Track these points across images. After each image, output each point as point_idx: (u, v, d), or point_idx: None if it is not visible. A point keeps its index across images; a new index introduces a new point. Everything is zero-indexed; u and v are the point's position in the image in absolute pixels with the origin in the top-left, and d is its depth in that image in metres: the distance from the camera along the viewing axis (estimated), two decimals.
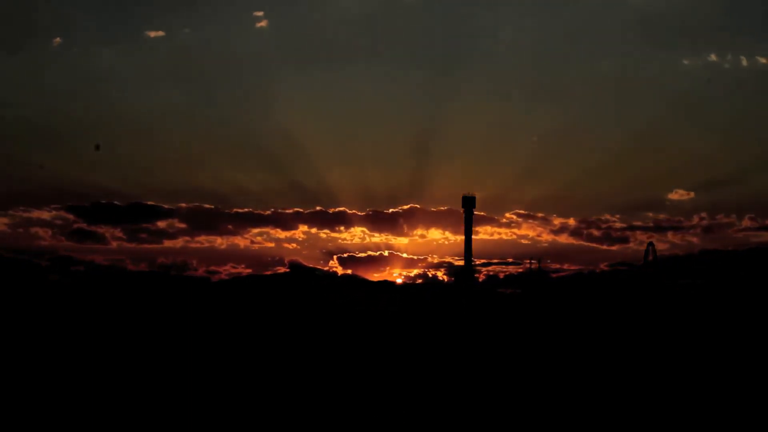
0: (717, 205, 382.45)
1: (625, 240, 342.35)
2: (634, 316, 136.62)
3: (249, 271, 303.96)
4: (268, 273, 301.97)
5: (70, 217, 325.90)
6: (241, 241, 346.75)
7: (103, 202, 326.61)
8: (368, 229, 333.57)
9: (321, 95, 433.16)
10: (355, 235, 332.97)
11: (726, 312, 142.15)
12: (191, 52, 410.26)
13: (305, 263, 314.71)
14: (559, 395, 51.27)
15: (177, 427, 42.23)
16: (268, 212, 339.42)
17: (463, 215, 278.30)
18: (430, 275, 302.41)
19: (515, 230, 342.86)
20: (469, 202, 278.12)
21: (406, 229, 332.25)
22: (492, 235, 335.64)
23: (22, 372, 60.20)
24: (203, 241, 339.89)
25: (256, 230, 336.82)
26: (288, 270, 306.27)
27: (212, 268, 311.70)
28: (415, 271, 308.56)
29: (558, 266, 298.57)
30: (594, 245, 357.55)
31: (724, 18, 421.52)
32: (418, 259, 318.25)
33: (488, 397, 50.39)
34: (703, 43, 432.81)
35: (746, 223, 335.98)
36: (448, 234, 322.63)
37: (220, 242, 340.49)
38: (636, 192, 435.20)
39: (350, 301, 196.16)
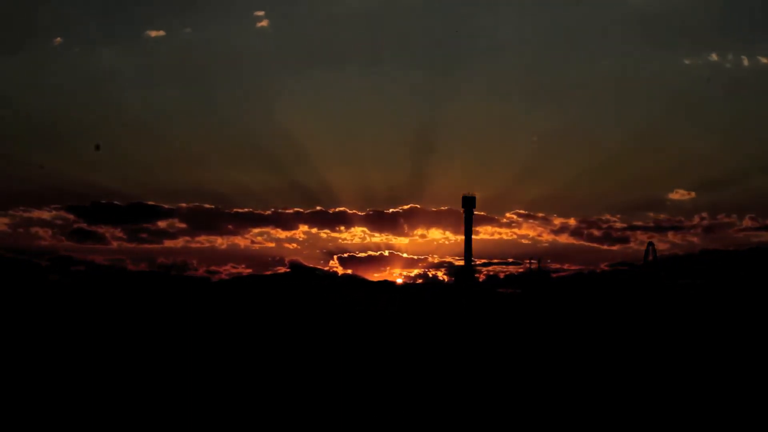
0: (718, 205, 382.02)
1: (625, 240, 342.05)
2: (635, 316, 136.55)
3: (249, 271, 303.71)
4: (269, 273, 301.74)
5: (71, 217, 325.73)
6: (241, 241, 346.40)
7: (104, 202, 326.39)
8: (368, 229, 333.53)
9: (321, 95, 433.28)
10: (356, 235, 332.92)
11: (726, 312, 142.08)
12: (192, 52, 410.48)
13: (305, 263, 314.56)
14: (559, 395, 51.23)
15: (177, 427, 42.20)
16: (269, 212, 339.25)
17: (463, 215, 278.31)
18: (431, 275, 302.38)
19: (515, 230, 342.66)
20: (469, 202, 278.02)
21: (406, 229, 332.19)
22: (492, 235, 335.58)
23: (23, 372, 60.17)
24: (203, 241, 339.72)
25: (256, 230, 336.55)
26: (288, 270, 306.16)
27: (212, 268, 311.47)
28: (415, 271, 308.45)
29: (558, 266, 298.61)
30: (594, 245, 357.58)
31: (725, 18, 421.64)
32: (419, 259, 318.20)
33: (488, 398, 50.34)
34: (704, 42, 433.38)
35: (747, 222, 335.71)
36: (448, 234, 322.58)
37: (220, 242, 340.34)
38: (636, 192, 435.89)
39: (350, 301, 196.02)
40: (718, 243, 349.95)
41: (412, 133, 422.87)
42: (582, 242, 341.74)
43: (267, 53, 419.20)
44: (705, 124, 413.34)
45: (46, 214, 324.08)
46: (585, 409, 46.93)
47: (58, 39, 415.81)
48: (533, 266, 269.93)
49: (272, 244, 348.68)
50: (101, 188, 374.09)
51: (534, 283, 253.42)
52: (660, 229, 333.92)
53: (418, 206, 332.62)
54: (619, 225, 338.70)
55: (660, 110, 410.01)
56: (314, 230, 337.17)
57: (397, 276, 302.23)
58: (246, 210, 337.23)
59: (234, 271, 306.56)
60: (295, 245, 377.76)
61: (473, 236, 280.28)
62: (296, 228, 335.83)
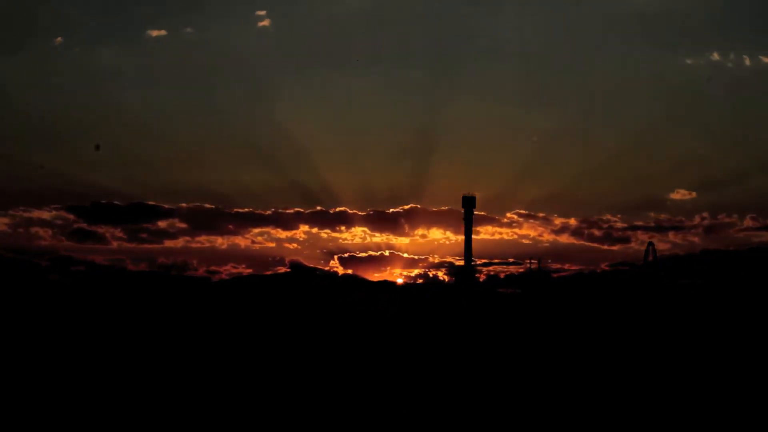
0: (718, 205, 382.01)
1: (626, 240, 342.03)
2: (635, 317, 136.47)
3: (250, 271, 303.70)
4: (269, 273, 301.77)
5: (71, 217, 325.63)
6: (241, 241, 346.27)
7: (104, 202, 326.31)
8: (369, 229, 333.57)
9: (322, 95, 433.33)
10: (356, 235, 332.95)
11: (727, 312, 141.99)
12: (193, 52, 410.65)
13: (306, 263, 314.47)
14: (559, 395, 51.15)
15: (177, 427, 42.12)
16: (269, 212, 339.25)
17: (464, 215, 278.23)
18: (431, 275, 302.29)
19: (516, 230, 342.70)
20: (469, 202, 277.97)
21: (406, 229, 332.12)
22: (493, 235, 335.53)
23: (23, 372, 60.09)
24: (204, 241, 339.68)
25: (256, 230, 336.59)
26: (289, 270, 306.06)
27: (213, 268, 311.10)
28: (415, 271, 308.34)
29: (559, 266, 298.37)
30: (595, 245, 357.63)
31: (726, 17, 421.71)
32: (419, 259, 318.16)
33: (488, 398, 50.26)
34: (705, 42, 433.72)
35: (748, 222, 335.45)
36: (449, 234, 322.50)
37: (220, 242, 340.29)
38: (637, 192, 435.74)
39: (350, 301, 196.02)
40: (718, 243, 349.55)
41: (413, 133, 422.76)
42: (583, 242, 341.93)
43: (268, 53, 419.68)
44: (706, 123, 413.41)
45: (46, 214, 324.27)
46: (585, 409, 46.85)
47: (59, 39, 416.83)
48: (533, 266, 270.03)
49: (273, 244, 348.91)
50: (101, 188, 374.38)
51: (534, 283, 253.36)
52: (661, 229, 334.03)
53: (419, 206, 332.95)
54: (619, 225, 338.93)
55: (661, 110, 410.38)
56: (315, 230, 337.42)
57: (398, 276, 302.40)
58: (246, 210, 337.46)
59: (234, 271, 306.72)
60: (295, 245, 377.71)
61: (474, 236, 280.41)
62: (297, 228, 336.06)
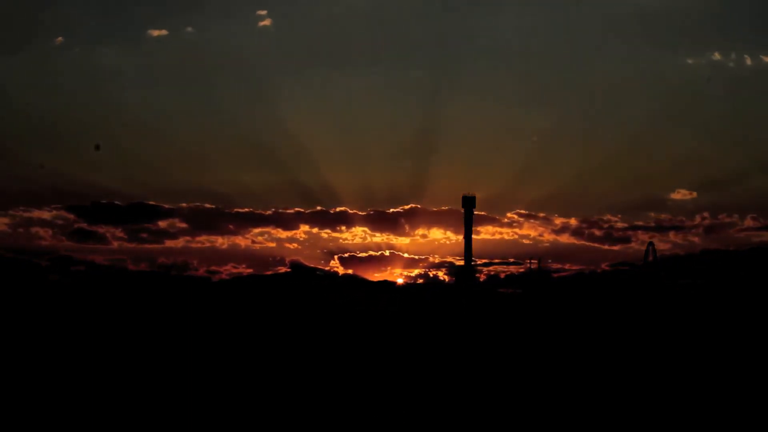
0: (719, 205, 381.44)
1: (626, 240, 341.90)
2: (635, 316, 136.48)
3: (250, 271, 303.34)
4: (269, 273, 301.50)
5: (71, 216, 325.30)
6: (242, 241, 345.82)
7: (104, 201, 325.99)
8: (369, 229, 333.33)
9: (323, 95, 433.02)
10: (357, 235, 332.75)
11: (727, 312, 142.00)
12: (194, 52, 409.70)
13: (306, 263, 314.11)
14: (559, 395, 51.14)
15: (177, 427, 42.11)
16: (269, 212, 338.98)
17: (464, 215, 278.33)
18: (431, 275, 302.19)
19: (516, 230, 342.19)
20: (469, 202, 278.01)
21: (407, 229, 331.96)
22: (493, 234, 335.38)
23: (23, 372, 60.09)
24: (204, 241, 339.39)
25: (257, 230, 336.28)
26: (289, 270, 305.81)
27: (213, 268, 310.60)
28: (416, 271, 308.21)
29: (559, 266, 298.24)
30: (595, 245, 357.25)
31: (727, 17, 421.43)
32: (420, 259, 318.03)
33: (489, 398, 50.25)
34: (706, 42, 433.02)
35: (748, 222, 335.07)
36: (449, 234, 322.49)
37: (221, 242, 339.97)
38: (638, 192, 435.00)
39: (351, 301, 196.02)
40: (719, 243, 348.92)
41: (413, 133, 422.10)
42: (583, 242, 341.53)
43: (269, 53, 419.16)
44: (706, 123, 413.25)
45: (46, 214, 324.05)
46: (585, 409, 46.84)
47: (59, 38, 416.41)
48: (533, 266, 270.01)
49: (273, 244, 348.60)
50: (102, 188, 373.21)
51: (534, 283, 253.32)
52: (661, 229, 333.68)
53: (419, 206, 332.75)
54: (620, 225, 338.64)
55: (661, 109, 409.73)
56: (315, 230, 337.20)
57: (398, 276, 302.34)
58: (247, 210, 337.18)
59: (234, 271, 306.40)
60: (295, 245, 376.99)
61: (474, 236, 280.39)
62: (297, 228, 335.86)
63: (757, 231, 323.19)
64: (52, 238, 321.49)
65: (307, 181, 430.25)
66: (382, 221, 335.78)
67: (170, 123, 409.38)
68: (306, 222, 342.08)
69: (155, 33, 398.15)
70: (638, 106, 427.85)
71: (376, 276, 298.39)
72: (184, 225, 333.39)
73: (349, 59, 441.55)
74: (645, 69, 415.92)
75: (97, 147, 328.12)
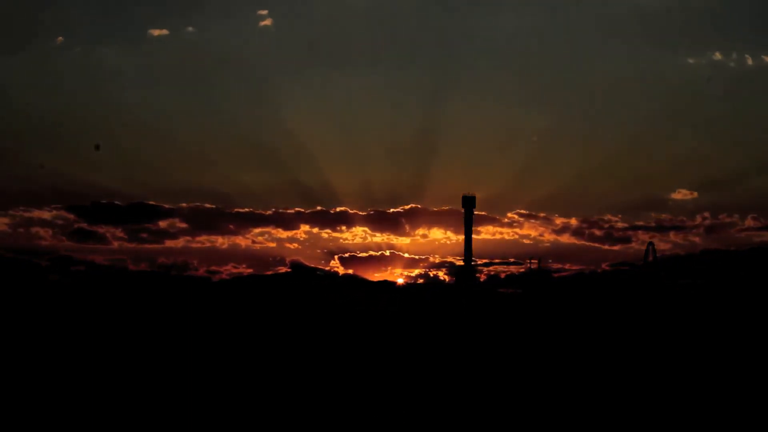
0: (720, 205, 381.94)
1: (627, 240, 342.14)
2: (635, 317, 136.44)
3: (250, 271, 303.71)
4: (270, 273, 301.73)
5: (71, 216, 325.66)
6: (242, 241, 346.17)
7: (104, 201, 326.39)
8: (370, 229, 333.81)
9: (323, 95, 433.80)
10: (357, 235, 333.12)
11: (727, 312, 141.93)
12: (194, 52, 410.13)
13: (306, 263, 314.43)
14: (560, 395, 51.10)
15: (178, 427, 42.07)
16: (270, 212, 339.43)
17: (464, 215, 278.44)
18: (432, 275, 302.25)
19: (517, 230, 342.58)
20: (469, 202, 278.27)
21: (407, 229, 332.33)
22: (494, 234, 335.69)
23: (23, 372, 60.05)
24: (204, 240, 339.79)
25: (257, 230, 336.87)
26: (289, 270, 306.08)
27: (213, 268, 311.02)
28: (416, 271, 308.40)
29: (560, 266, 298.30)
30: (596, 245, 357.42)
31: (728, 17, 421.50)
32: (420, 259, 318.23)
33: (489, 398, 50.22)
34: (707, 42, 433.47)
35: (749, 222, 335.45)
36: (449, 234, 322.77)
37: (221, 242, 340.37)
38: (638, 192, 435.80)
39: (351, 301, 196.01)
40: (719, 243, 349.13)
41: (414, 133, 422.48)
42: (583, 242, 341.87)
43: (269, 53, 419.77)
44: (707, 123, 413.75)
45: (46, 214, 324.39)
46: (586, 409, 46.81)
47: (60, 38, 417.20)
48: (533, 266, 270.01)
49: (273, 244, 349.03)
50: (102, 188, 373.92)
51: (535, 283, 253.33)
52: (661, 229, 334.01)
53: (420, 206, 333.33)
54: (620, 225, 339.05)
55: (662, 109, 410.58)
56: (315, 230, 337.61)
57: (398, 276, 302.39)
58: (247, 210, 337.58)
59: (235, 271, 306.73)
60: (296, 245, 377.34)
61: (474, 236, 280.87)
62: (297, 228, 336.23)
63: (758, 231, 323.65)
64: (52, 238, 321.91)
65: (308, 181, 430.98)
66: (382, 221, 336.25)
67: (170, 123, 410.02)
68: (306, 222, 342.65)
69: (156, 33, 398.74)
70: (638, 106, 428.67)
71: (376, 276, 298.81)
72: (184, 225, 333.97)
73: (349, 59, 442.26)
74: (645, 69, 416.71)
75: (97, 147, 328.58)
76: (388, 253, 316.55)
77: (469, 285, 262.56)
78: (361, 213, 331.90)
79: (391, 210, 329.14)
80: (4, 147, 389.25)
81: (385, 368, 63.75)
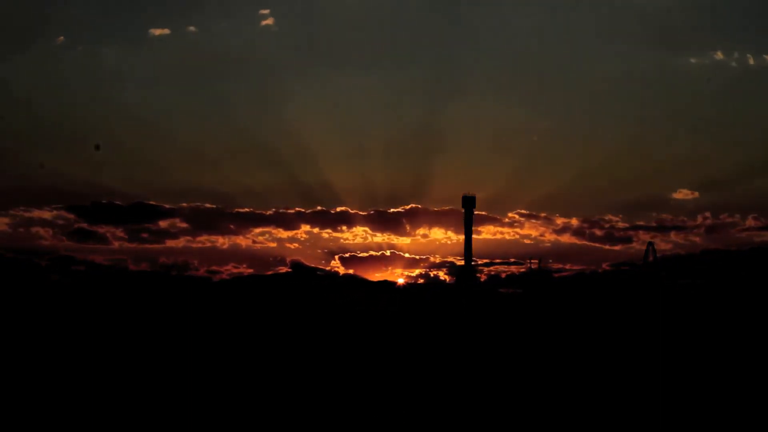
0: (721, 205, 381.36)
1: (628, 240, 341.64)
2: (635, 316, 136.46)
3: (250, 271, 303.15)
4: (270, 273, 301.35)
5: (71, 216, 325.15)
6: (242, 241, 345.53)
7: (105, 201, 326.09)
8: (370, 229, 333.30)
9: (323, 94, 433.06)
10: (357, 235, 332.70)
11: (728, 312, 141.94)
12: (195, 51, 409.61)
13: (307, 263, 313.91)
14: (560, 395, 51.08)
15: (178, 426, 42.05)
16: (270, 212, 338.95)
17: (464, 215, 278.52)
18: (432, 275, 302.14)
19: (518, 230, 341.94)
20: (469, 202, 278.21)
21: (408, 229, 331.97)
22: (494, 234, 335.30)
23: (23, 372, 60.04)
24: (205, 240, 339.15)
25: (257, 230, 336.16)
26: (290, 270, 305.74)
27: (214, 268, 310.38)
28: (417, 271, 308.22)
29: (560, 266, 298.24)
30: (597, 245, 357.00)
31: (729, 16, 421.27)
32: (420, 259, 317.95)
33: (489, 398, 50.19)
34: (708, 41, 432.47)
35: (750, 222, 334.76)
36: (450, 234, 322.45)
37: (221, 242, 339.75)
38: (639, 192, 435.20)
39: (351, 301, 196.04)
40: (720, 243, 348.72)
41: (415, 132, 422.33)
42: (584, 242, 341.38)
43: (271, 52, 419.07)
44: (709, 123, 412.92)
45: (46, 214, 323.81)
46: (586, 409, 46.78)
47: (61, 38, 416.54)
48: (533, 266, 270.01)
49: (274, 244, 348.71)
50: (102, 188, 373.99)
51: (535, 283, 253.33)
52: (662, 229, 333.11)
53: (420, 206, 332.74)
54: (621, 225, 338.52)
55: (663, 109, 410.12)
56: (316, 230, 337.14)
57: (399, 276, 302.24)
58: (247, 210, 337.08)
59: (235, 271, 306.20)
60: (296, 245, 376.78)
61: (475, 236, 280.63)
62: (298, 228, 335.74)
63: (759, 231, 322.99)
64: (52, 238, 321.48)
65: (308, 181, 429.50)
66: (382, 221, 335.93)
67: (171, 122, 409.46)
68: (307, 222, 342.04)
69: (157, 32, 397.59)
70: (639, 105, 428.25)
71: (376, 276, 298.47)
72: (184, 225, 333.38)
73: (350, 59, 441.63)
74: (645, 69, 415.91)
75: (97, 147, 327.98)
76: (388, 253, 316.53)
77: (469, 285, 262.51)
78: (361, 213, 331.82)
79: (392, 210, 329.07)
80: (4, 147, 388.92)
81: (385, 368, 63.73)
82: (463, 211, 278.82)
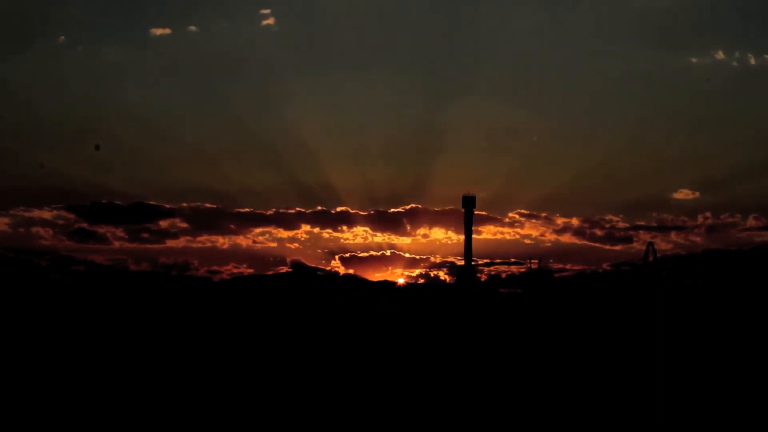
0: (721, 205, 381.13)
1: (628, 240, 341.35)
2: (635, 317, 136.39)
3: (251, 271, 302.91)
4: (270, 273, 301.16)
5: (71, 216, 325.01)
6: (243, 241, 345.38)
7: (105, 201, 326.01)
8: (371, 229, 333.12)
9: (324, 94, 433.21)
10: (358, 235, 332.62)
11: (729, 312, 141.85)
12: (196, 51, 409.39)
13: (307, 263, 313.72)
14: (560, 395, 50.99)
15: (178, 426, 41.96)
16: (271, 212, 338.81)
17: (464, 215, 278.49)
18: (432, 275, 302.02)
19: (518, 230, 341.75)
20: (469, 202, 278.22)
21: (408, 229, 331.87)
22: (495, 234, 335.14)
23: (23, 372, 59.96)
24: (205, 240, 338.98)
25: (258, 230, 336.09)
26: (290, 270, 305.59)
27: (214, 268, 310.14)
28: (417, 271, 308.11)
29: (561, 266, 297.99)
30: (597, 245, 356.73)
31: (729, 16, 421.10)
32: (421, 258, 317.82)
33: (489, 398, 50.10)
34: (709, 41, 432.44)
35: (751, 222, 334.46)
36: (450, 234, 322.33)
37: (222, 242, 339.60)
38: (639, 191, 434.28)
39: (351, 301, 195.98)
40: (721, 243, 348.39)
41: (415, 132, 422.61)
42: (585, 242, 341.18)
43: (272, 52, 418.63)
44: (709, 122, 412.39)
45: (46, 214, 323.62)
46: (586, 409, 46.69)
47: (62, 37, 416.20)
48: (533, 266, 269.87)
49: (274, 244, 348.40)
50: (102, 188, 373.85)
51: (535, 283, 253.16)
52: (663, 228, 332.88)
53: (420, 206, 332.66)
54: (621, 225, 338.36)
55: (664, 109, 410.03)
56: (316, 230, 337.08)
57: (399, 276, 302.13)
58: (248, 210, 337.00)
59: (235, 271, 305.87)
60: (296, 245, 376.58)
61: (475, 236, 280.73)
62: (298, 228, 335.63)
63: (760, 231, 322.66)
64: (52, 238, 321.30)
65: (309, 181, 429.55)
66: (383, 221, 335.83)
67: (172, 122, 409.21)
68: (307, 222, 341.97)
69: (158, 32, 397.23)
70: (639, 105, 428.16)
71: (376, 276, 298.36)
72: (185, 225, 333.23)
73: (351, 59, 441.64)
74: (645, 69, 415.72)
75: (97, 147, 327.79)
76: (388, 253, 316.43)
77: (469, 285, 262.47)
78: (361, 213, 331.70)
79: (392, 210, 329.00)
80: (4, 147, 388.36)
81: (386, 368, 63.65)
82: (464, 211, 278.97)
